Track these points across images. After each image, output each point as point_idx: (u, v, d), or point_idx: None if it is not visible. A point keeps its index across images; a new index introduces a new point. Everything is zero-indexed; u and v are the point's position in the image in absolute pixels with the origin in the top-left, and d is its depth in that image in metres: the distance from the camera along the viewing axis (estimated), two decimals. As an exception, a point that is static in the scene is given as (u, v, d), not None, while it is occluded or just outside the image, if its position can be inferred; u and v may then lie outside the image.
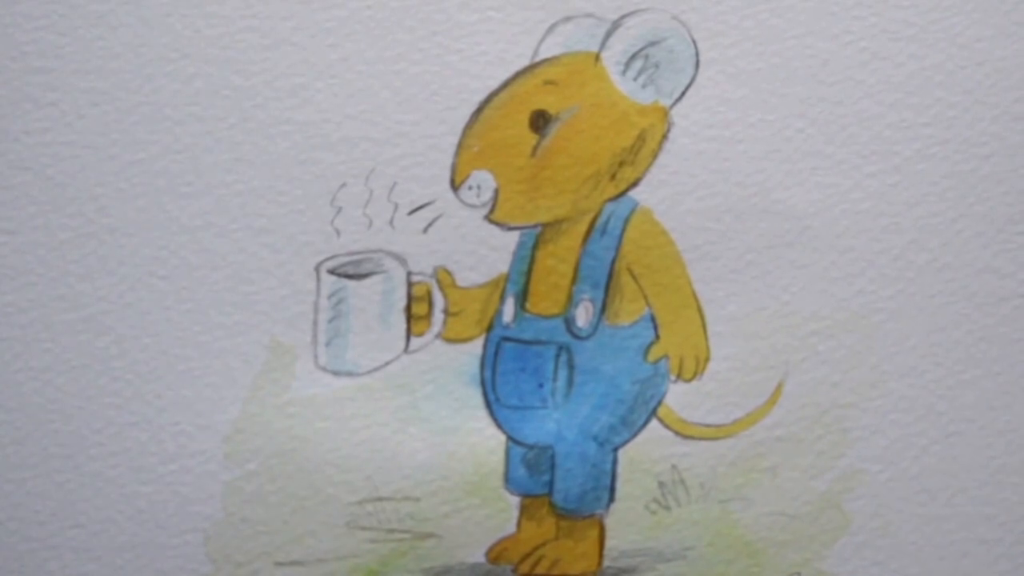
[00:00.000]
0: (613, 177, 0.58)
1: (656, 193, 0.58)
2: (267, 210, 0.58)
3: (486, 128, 0.58)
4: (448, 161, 0.58)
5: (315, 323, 0.58)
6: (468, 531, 0.60)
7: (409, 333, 0.59)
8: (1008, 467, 0.62)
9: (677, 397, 0.60)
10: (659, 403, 0.60)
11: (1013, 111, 0.59)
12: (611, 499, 0.60)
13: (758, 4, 0.58)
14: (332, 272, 0.58)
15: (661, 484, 0.60)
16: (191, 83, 0.57)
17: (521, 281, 0.59)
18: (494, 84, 0.57)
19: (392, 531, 0.59)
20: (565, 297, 0.59)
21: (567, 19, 0.58)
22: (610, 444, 0.60)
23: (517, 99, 0.58)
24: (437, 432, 0.59)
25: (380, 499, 0.59)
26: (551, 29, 0.57)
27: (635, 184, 0.58)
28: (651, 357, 0.60)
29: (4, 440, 0.58)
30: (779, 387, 0.60)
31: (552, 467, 0.60)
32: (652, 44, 0.58)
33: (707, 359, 0.60)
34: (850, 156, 0.59)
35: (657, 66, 0.58)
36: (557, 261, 0.59)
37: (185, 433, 0.58)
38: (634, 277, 0.59)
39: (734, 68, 0.58)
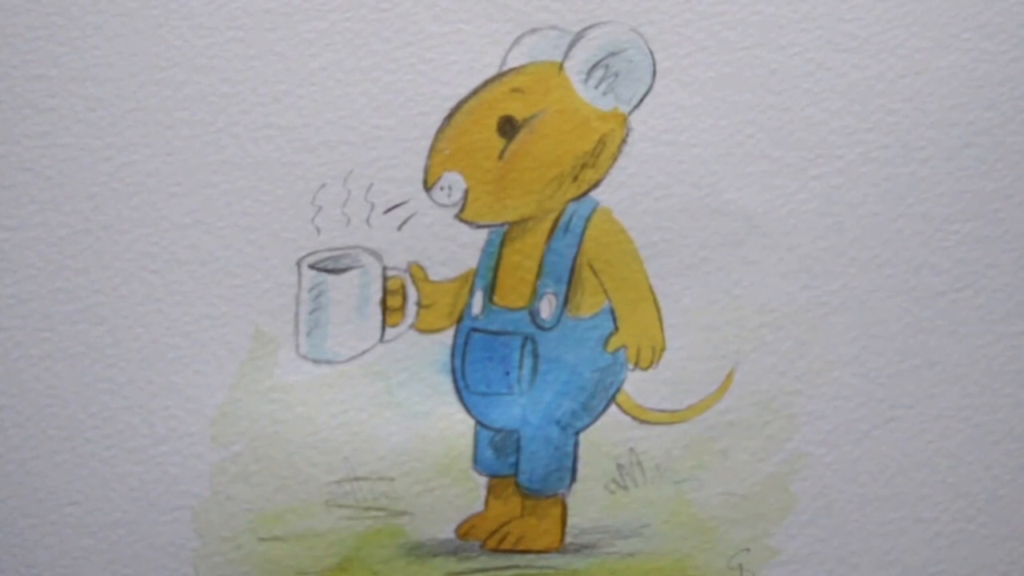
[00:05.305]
0: (575, 179, 0.59)
1: (616, 194, 0.59)
2: (252, 209, 0.58)
3: (457, 133, 0.58)
4: (421, 163, 0.58)
5: (296, 314, 0.59)
6: (439, 509, 0.60)
7: (384, 324, 0.59)
8: (943, 450, 0.62)
9: (635, 384, 0.61)
10: (618, 390, 0.61)
11: (949, 118, 0.60)
12: (573, 480, 0.61)
13: (711, 17, 0.58)
14: (312, 267, 0.58)
15: (619, 466, 0.61)
16: (181, 90, 0.57)
17: (489, 276, 0.60)
18: (464, 91, 0.58)
19: (368, 509, 0.60)
20: (530, 291, 0.60)
21: (533, 31, 0.58)
22: (572, 428, 0.61)
23: (486, 105, 0.58)
24: (410, 416, 0.60)
25: (357, 479, 0.60)
26: (518, 40, 0.58)
27: (596, 185, 0.59)
28: (610, 347, 0.60)
29: (5, 424, 0.59)
30: (730, 375, 0.61)
31: (518, 450, 0.61)
32: (612, 55, 0.58)
33: (663, 349, 0.60)
34: (797, 160, 0.59)
35: (617, 75, 0.58)
36: (523, 257, 0.60)
37: (174, 417, 0.59)
38: (595, 272, 0.60)
39: (689, 77, 0.59)
